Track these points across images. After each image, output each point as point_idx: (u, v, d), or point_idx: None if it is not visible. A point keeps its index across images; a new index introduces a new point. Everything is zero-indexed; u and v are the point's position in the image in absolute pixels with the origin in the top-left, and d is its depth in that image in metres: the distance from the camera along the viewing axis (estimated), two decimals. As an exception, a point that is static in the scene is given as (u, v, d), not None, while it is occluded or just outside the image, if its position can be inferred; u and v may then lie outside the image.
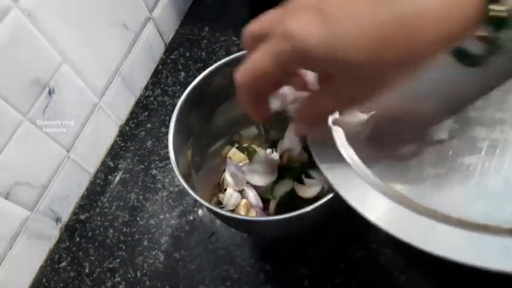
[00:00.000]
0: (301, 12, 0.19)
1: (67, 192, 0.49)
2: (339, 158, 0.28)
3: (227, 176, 0.41)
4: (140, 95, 0.59)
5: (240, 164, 0.43)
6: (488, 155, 0.25)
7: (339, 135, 0.28)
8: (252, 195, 0.40)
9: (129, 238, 0.46)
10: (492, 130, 0.26)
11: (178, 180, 0.31)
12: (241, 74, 0.23)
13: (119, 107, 0.55)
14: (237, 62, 0.35)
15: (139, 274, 0.44)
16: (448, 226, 0.22)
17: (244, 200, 0.40)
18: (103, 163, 0.53)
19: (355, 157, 0.27)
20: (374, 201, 0.25)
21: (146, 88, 0.60)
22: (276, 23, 0.21)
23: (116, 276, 0.44)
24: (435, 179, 0.27)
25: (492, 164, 0.25)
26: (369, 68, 0.18)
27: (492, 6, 0.17)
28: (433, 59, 0.19)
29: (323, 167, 0.28)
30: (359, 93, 0.21)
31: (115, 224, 0.48)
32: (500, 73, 0.25)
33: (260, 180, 0.40)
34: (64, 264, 0.46)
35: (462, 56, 0.21)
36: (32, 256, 0.45)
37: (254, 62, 0.22)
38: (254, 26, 0.23)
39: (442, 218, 0.23)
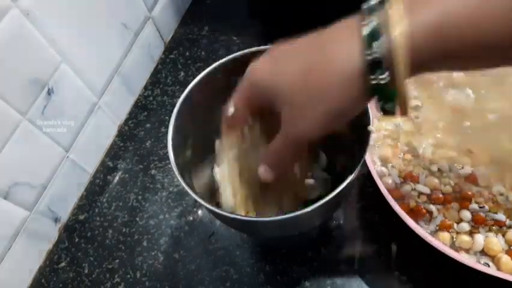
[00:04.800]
0: (261, 58, 0.27)
1: (66, 192, 0.48)
2: None
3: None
4: (140, 95, 0.59)
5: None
6: None
7: None
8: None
9: (128, 238, 0.46)
10: None
11: (178, 180, 0.31)
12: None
13: (118, 106, 0.55)
14: (237, 61, 0.35)
15: (138, 275, 0.44)
16: None
17: (244, 200, 0.40)
18: (102, 163, 0.53)
19: None
20: None
21: (145, 88, 0.59)
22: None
23: (116, 276, 0.44)
24: None
25: None
26: (298, 92, 0.24)
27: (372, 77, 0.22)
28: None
29: None
30: (299, 119, 0.25)
31: (114, 225, 0.48)
32: None
33: None
34: (63, 264, 0.46)
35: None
36: (31, 256, 0.45)
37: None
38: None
39: None
